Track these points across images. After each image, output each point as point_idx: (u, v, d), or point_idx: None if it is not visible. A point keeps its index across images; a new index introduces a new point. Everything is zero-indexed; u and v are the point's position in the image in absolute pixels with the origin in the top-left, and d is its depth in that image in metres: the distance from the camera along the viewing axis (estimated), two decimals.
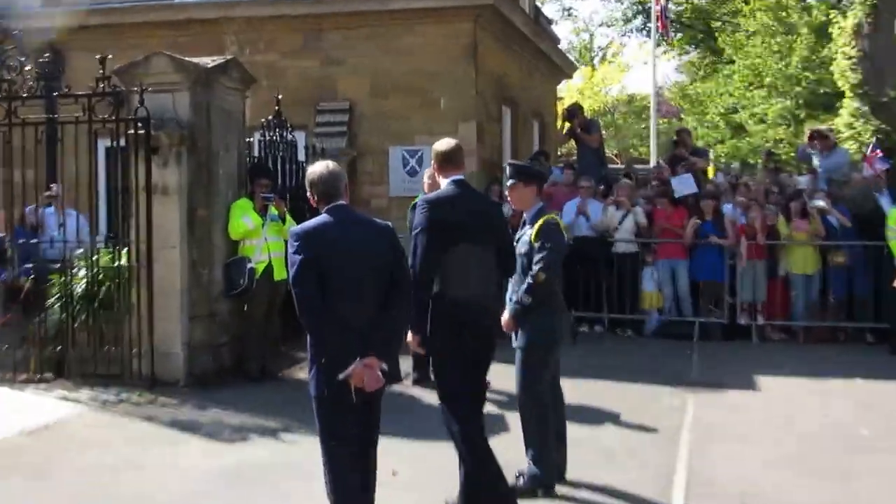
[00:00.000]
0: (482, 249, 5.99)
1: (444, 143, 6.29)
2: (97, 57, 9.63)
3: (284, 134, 12.17)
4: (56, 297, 9.79)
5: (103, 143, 10.03)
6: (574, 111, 16.37)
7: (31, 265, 10.06)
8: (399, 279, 5.12)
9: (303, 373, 10.24)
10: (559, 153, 22.17)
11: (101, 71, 9.55)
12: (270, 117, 11.88)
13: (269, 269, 10.06)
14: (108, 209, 13.42)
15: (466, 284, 5.86)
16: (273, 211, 10.17)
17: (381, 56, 14.79)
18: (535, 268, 6.21)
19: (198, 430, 7.95)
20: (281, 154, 12.08)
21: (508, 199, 6.64)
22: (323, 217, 5.12)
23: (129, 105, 9.62)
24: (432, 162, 6.35)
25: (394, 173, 14.72)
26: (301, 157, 13.07)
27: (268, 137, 11.74)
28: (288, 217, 10.32)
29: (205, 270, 9.78)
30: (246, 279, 9.90)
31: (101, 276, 9.67)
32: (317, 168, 5.23)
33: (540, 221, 6.29)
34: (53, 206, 11.00)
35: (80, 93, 9.67)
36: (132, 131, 9.50)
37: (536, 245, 6.24)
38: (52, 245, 9.95)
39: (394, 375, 5.40)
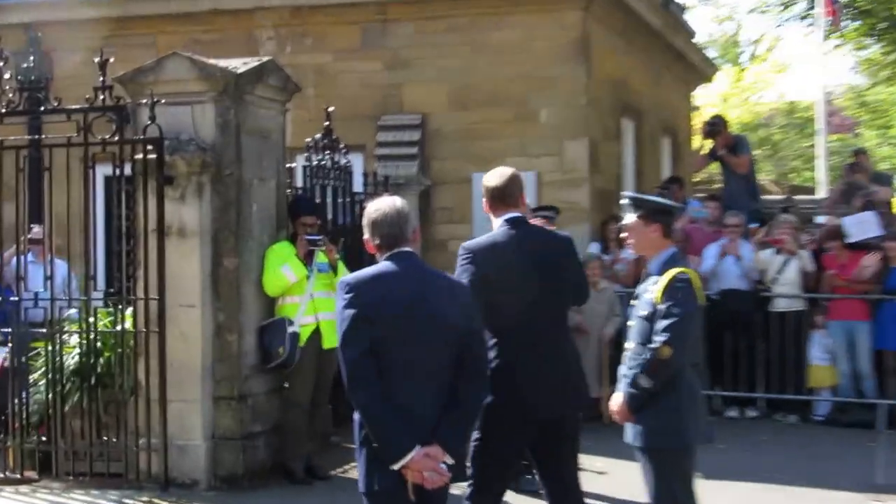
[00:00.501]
0: (543, 309, 6.27)
1: (496, 176, 6.53)
2: (95, 60, 9.72)
3: (336, 157, 12.26)
4: (41, 371, 9.87)
5: (103, 172, 10.16)
6: (717, 125, 16.27)
7: (8, 330, 10.16)
8: (473, 353, 5.32)
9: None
10: (697, 180, 21.96)
11: (101, 78, 9.64)
12: (318, 136, 11.96)
13: (316, 334, 10.04)
14: (108, 257, 13.56)
15: (519, 364, 6.14)
16: (321, 259, 10.16)
17: (464, 55, 14.91)
18: (658, 339, 6.00)
19: None
20: (332, 184, 12.16)
21: (627, 241, 6.54)
22: (383, 265, 5.32)
23: (137, 122, 9.73)
24: (483, 199, 6.58)
25: (479, 209, 14.50)
26: (358, 187, 13.14)
27: (315, 162, 11.83)
28: (341, 266, 10.31)
29: (233, 337, 9.79)
30: (287, 348, 9.89)
31: (98, 345, 9.75)
32: (381, 204, 5.41)
33: (668, 276, 6.10)
34: (33, 253, 11.10)
35: (73, 107, 9.78)
36: (140, 155, 9.60)
37: (662, 307, 6.05)
38: (37, 304, 10.02)
39: (460, 472, 5.45)
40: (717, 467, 9.63)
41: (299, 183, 11.89)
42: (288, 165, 11.12)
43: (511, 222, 6.38)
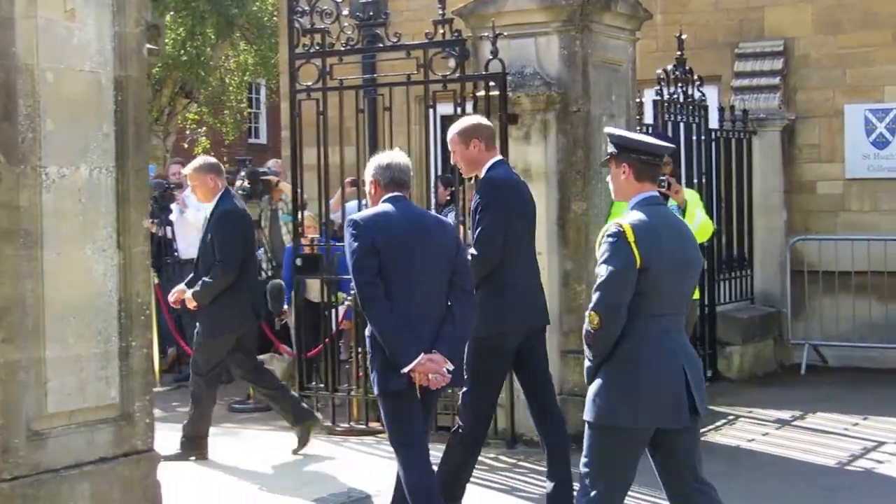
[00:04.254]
0: (530, 241, 8.16)
1: (477, 118, 8.48)
2: None
3: (689, 90, 12.57)
4: None
5: (440, 111, 10.65)
6: None
7: (350, 278, 10.83)
8: (462, 277, 7.06)
9: (720, 435, 10.55)
10: None
11: (441, 12, 10.21)
12: (670, 67, 12.31)
13: None
14: (437, 200, 14.32)
15: (510, 285, 7.85)
16: (671, 202, 10.29)
17: None
18: None
19: None
20: (684, 120, 12.48)
21: None
22: (384, 206, 7.01)
23: (478, 57, 10.29)
24: (475, 139, 8.00)
25: (852, 145, 14.76)
26: (713, 123, 13.40)
27: (666, 96, 12.16)
28: (690, 208, 10.52)
29: (581, 287, 10.07)
30: None
31: None
32: (394, 155, 7.21)
33: None
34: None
35: (412, 42, 10.47)
36: (482, 93, 10.11)
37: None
38: None
39: (458, 378, 7.14)
40: None
41: (649, 119, 12.21)
42: (637, 100, 11.41)
43: (506, 163, 8.34)
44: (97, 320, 6.54)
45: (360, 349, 10.51)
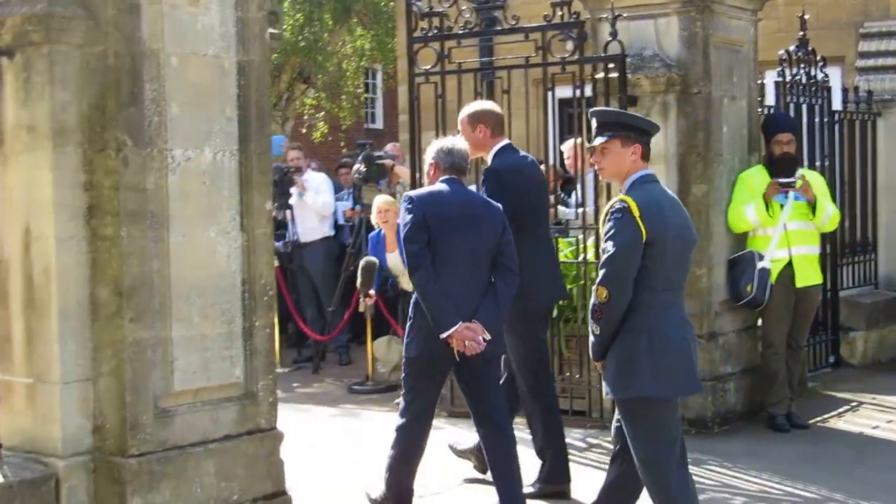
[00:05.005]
0: (545, 219, 8.96)
1: (491, 104, 8.91)
2: None
3: (812, 72, 12.40)
4: None
5: (557, 94, 10.59)
6: None
7: None
8: (506, 255, 7.54)
9: (843, 422, 10.48)
10: None
11: None
12: (793, 48, 12.16)
13: (788, 270, 10.32)
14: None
15: (530, 262, 8.13)
16: (799, 183, 10.31)
17: None
18: None
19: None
20: (806, 101, 12.31)
21: None
22: (438, 185, 7.60)
23: (597, 39, 10.28)
24: (482, 125, 8.48)
25: None
26: (836, 104, 13.23)
27: (788, 78, 12.00)
28: (821, 201, 10.45)
29: (702, 271, 10.09)
30: (755, 286, 10.19)
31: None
32: (455, 141, 7.82)
33: None
34: None
35: (531, 25, 10.48)
36: (601, 75, 10.09)
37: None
38: None
39: (498, 347, 7.65)
40: None
41: (770, 101, 12.09)
42: (759, 81, 11.34)
43: (512, 148, 8.57)
44: (221, 301, 6.70)
45: None
